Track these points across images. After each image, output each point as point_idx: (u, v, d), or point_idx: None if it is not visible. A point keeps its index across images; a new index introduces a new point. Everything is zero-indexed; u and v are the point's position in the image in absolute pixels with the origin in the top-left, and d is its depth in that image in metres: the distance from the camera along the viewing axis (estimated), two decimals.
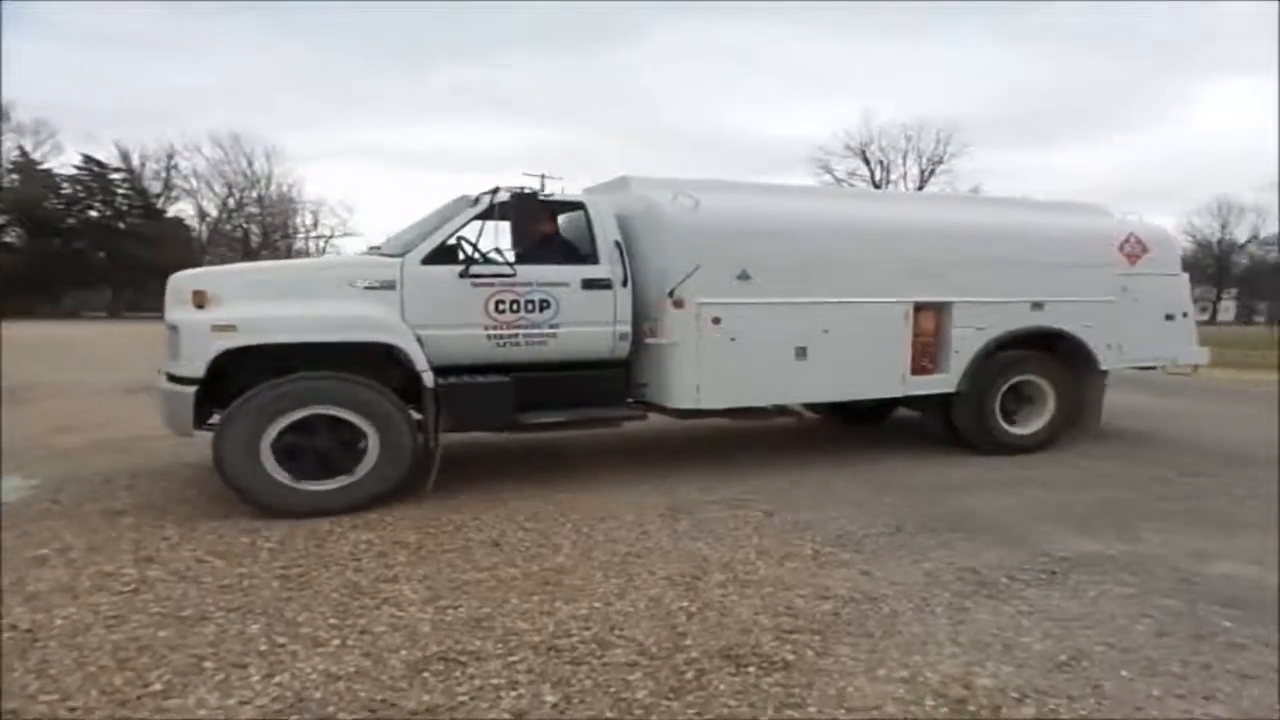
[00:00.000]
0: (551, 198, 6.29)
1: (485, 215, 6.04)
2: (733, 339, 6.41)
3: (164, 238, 52.90)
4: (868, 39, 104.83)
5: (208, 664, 3.19)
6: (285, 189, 64.89)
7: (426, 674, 3.11)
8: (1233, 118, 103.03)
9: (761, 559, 4.51)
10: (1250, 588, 4.13)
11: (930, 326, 7.24)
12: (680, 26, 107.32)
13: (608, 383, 6.40)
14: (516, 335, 6.00)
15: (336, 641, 3.40)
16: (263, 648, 3.33)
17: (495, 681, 3.06)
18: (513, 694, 2.97)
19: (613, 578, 4.20)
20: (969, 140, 69.10)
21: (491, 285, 5.90)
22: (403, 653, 3.29)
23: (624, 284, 6.29)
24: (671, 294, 6.26)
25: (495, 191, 6.02)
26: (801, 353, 6.66)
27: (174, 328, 5.34)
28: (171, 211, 60.85)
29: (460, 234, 5.96)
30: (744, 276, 6.42)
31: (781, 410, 7.12)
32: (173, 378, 5.36)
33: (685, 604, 3.84)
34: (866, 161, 56.60)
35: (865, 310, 6.88)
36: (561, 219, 6.55)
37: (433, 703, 2.91)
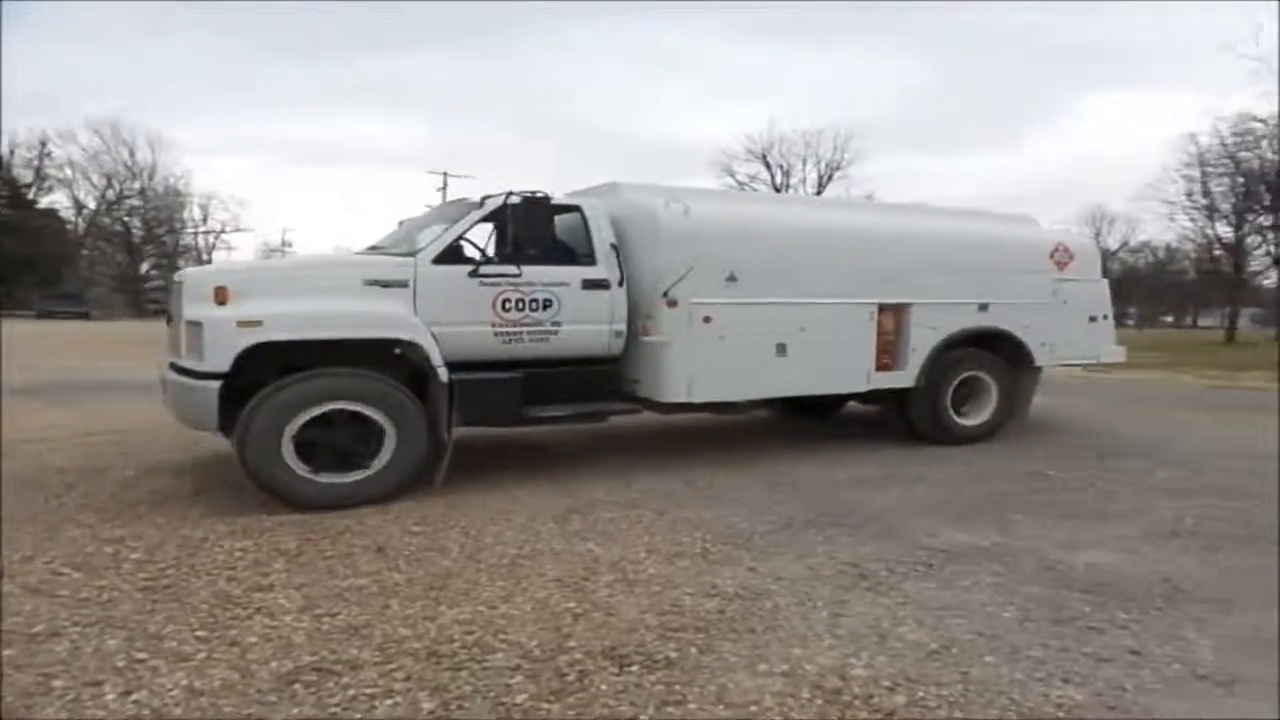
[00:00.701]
0: (551, 200, 6.39)
1: (493, 217, 6.28)
2: (721, 337, 6.80)
3: (35, 230, 49.79)
4: (775, 45, 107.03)
5: (57, 683, 2.99)
6: (172, 181, 62.00)
7: (297, 685, 3.00)
8: (1110, 130, 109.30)
9: (651, 558, 4.53)
10: (1110, 574, 4.36)
11: (891, 326, 7.77)
12: (596, 27, 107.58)
13: (603, 379, 6.70)
14: (521, 333, 6.25)
15: (203, 654, 3.24)
16: (120, 664, 3.15)
17: (370, 691, 2.97)
18: (388, 702, 2.89)
19: (500, 580, 4.14)
20: (865, 147, 71.32)
21: (498, 285, 6.13)
22: (273, 664, 3.16)
23: (620, 284, 6.60)
24: (666, 294, 6.62)
25: (508, 195, 6.26)
26: (782, 350, 7.12)
27: (196, 323, 5.38)
28: (44, 203, 57.31)
29: (466, 235, 6.21)
30: (732, 279, 6.85)
31: (754, 405, 7.63)
32: (188, 372, 5.45)
33: (572, 605, 3.82)
34: (768, 166, 57.65)
35: (837, 311, 7.40)
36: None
37: (303, 715, 2.80)
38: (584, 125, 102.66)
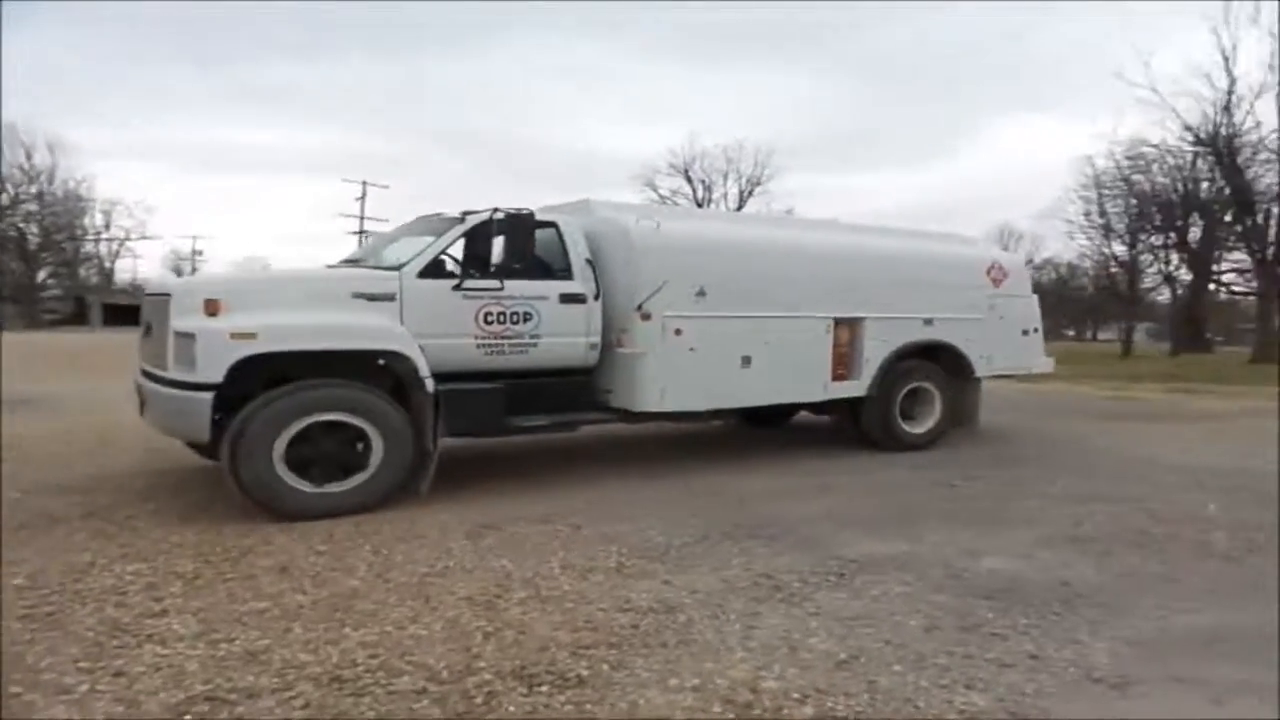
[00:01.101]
0: (535, 217, 6.57)
1: (476, 232, 6.40)
2: (691, 349, 7.11)
3: None
4: (693, 64, 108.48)
5: None
6: (72, 185, 59.17)
7: (188, 717, 2.85)
8: (1014, 152, 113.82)
9: (565, 573, 4.47)
10: (1012, 580, 4.49)
11: (846, 339, 8.19)
12: (516, 42, 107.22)
13: (578, 389, 6.94)
14: (502, 345, 6.44)
15: (85, 687, 3.06)
16: None
17: None
18: None
19: (409, 600, 4.03)
20: (784, 163, 72.60)
21: (481, 298, 6.31)
22: (163, 695, 3.00)
23: (595, 298, 6.85)
24: (640, 308, 6.89)
25: (494, 211, 6.45)
26: (747, 361, 7.48)
27: (188, 335, 5.39)
28: None
29: (448, 250, 6.37)
30: (701, 293, 7.17)
31: (715, 414, 8.01)
32: (177, 383, 5.45)
33: (483, 624, 3.74)
34: (690, 181, 58.22)
35: (797, 324, 7.81)
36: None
37: None
38: (501, 137, 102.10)
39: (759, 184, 56.84)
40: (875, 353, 8.30)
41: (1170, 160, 34.27)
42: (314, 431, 5.54)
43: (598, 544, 5.04)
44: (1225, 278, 37.88)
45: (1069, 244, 36.18)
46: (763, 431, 9.79)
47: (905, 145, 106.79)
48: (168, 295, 5.77)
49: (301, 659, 3.33)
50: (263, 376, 5.55)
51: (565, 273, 6.77)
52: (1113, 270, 40.98)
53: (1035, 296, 9.93)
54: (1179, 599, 4.23)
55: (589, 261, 6.87)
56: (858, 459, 8.09)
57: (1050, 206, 40.67)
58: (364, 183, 50.08)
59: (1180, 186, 35.18)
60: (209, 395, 5.33)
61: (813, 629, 3.76)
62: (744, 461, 7.87)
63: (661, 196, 57.47)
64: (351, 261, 7.25)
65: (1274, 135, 30.12)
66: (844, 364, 8.16)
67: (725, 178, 57.71)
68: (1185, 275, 39.01)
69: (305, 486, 5.51)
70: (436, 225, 6.75)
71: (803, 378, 7.91)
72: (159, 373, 5.73)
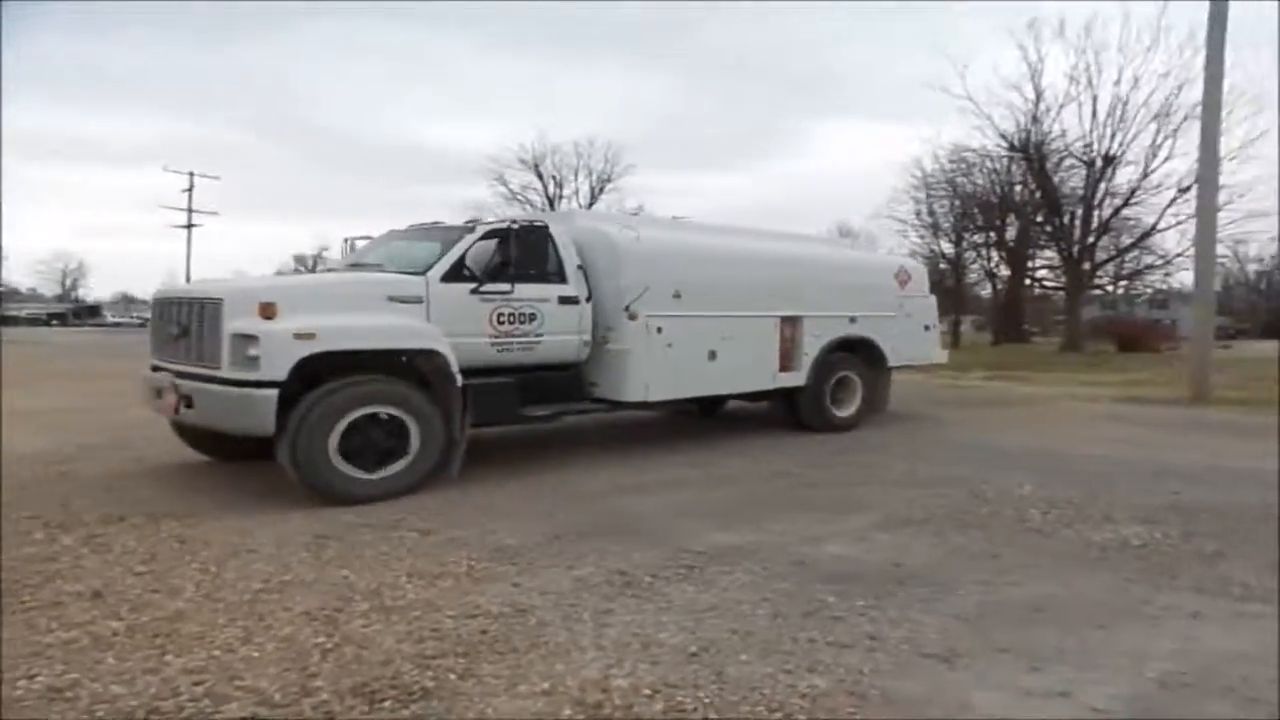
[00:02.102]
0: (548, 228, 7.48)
1: (491, 239, 7.08)
2: (669, 345, 7.97)
3: None
4: (538, 56, 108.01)
5: None
6: None
7: None
8: (844, 154, 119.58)
9: (412, 582, 4.31)
10: (852, 565, 4.68)
11: (789, 335, 9.21)
12: (329, 27, 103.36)
13: (570, 382, 7.68)
14: (511, 343, 7.11)
15: None
16: None
17: None
18: None
19: (241, 620, 3.77)
20: (634, 161, 73.28)
21: (494, 301, 6.95)
22: None
23: (587, 300, 7.60)
24: (627, 309, 7.72)
25: (511, 223, 7.27)
26: (713, 355, 8.42)
27: (249, 336, 5.79)
28: None
29: (465, 256, 6.93)
30: (677, 295, 8.07)
31: (689, 404, 9.34)
32: (236, 382, 5.82)
33: (321, 640, 3.54)
34: (540, 176, 57.88)
35: (752, 323, 8.83)
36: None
37: None
38: (325, 128, 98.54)
39: (609, 181, 57.17)
40: (811, 347, 9.38)
41: (989, 164, 36.95)
42: (361, 423, 6.04)
43: (447, 549, 4.89)
44: (1039, 274, 41.18)
45: (902, 242, 38.22)
46: (692, 422, 10.57)
47: (741, 145, 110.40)
48: (219, 300, 6.07)
49: (114, 692, 3.05)
50: (304, 374, 5.91)
51: (560, 277, 7.47)
52: (941, 266, 43.75)
53: (933, 297, 11.29)
54: (1001, 574, 4.53)
55: (580, 267, 7.60)
56: (705, 453, 8.25)
57: (883, 206, 42.79)
58: (191, 174, 47.03)
59: (998, 189, 37.96)
60: (274, 392, 5.75)
61: (664, 623, 3.78)
62: (596, 460, 7.86)
63: (512, 192, 56.90)
64: (358, 265, 7.73)
65: (1078, 143, 33.06)
66: (788, 357, 9.20)
67: (576, 174, 57.71)
68: (1004, 271, 42.11)
69: (359, 473, 6.04)
70: (447, 233, 7.39)
71: (756, 369, 8.93)
72: (210, 372, 6.03)
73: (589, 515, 5.72)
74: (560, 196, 57.28)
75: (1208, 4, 13.77)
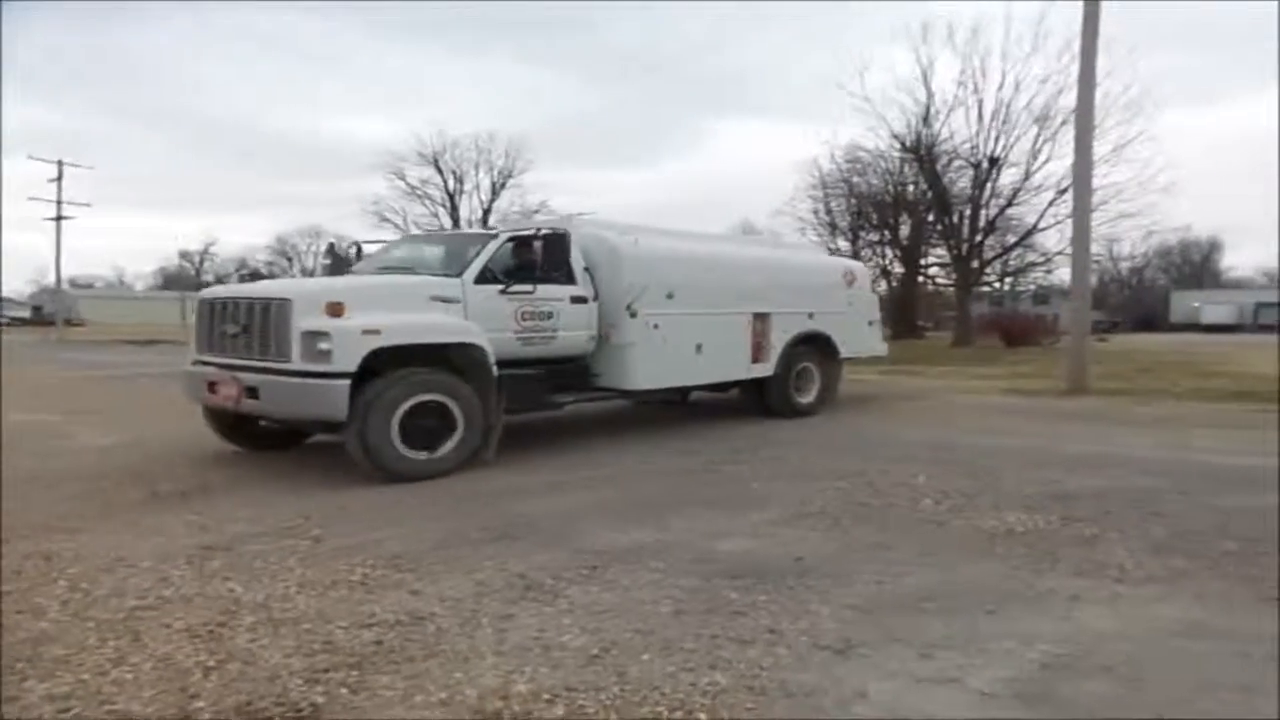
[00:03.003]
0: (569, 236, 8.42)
1: (516, 244, 7.96)
2: (665, 340, 8.99)
3: None
4: (434, 49, 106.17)
5: None
6: None
7: None
8: (748, 152, 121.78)
9: (303, 592, 4.14)
10: (753, 559, 4.73)
11: (760, 330, 10.27)
12: (211, 13, 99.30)
13: (580, 373, 8.64)
14: (533, 337, 7.97)
15: None
16: None
17: None
18: None
19: (113, 640, 3.55)
20: (535, 156, 72.56)
21: (518, 300, 7.79)
22: None
23: (594, 300, 8.55)
24: (629, 307, 8.68)
25: (538, 230, 8.21)
26: (699, 349, 9.47)
27: (320, 333, 6.51)
28: None
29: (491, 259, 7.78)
30: (670, 295, 9.12)
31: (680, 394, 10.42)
32: (309, 373, 6.50)
33: (203, 658, 3.36)
34: (440, 171, 56.80)
35: (730, 319, 9.91)
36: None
37: None
38: (210, 118, 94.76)
39: (511, 176, 56.56)
40: (778, 340, 10.45)
41: (883, 165, 38.13)
42: (415, 410, 6.76)
43: (340, 557, 4.72)
44: (931, 271, 42.71)
45: (801, 239, 39.02)
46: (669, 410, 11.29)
47: (643, 142, 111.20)
48: (288, 299, 6.75)
49: None
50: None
51: (570, 279, 8.31)
52: None
53: (876, 295, 12.54)
54: (895, 563, 4.65)
55: (586, 269, 8.50)
56: (604, 452, 8.22)
57: (783, 205, 43.66)
58: (60, 163, 44.26)
59: (892, 189, 39.20)
60: (347, 382, 6.48)
61: (565, 626, 3.73)
62: (498, 460, 7.74)
63: (411, 186, 55.71)
64: (386, 269, 8.51)
65: (966, 145, 34.43)
66: (759, 350, 10.27)
67: (477, 169, 56.85)
68: (899, 269, 43.53)
69: (417, 454, 6.79)
70: (471, 239, 8.40)
71: (734, 361, 10.00)
72: (280, 365, 6.65)
73: (486, 518, 5.61)
74: (460, 192, 56.35)
75: (1081, 6, 14.46)
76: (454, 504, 6.00)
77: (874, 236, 42.24)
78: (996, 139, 33.50)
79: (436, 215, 57.41)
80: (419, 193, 55.96)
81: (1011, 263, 39.34)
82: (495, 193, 56.08)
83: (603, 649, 3.48)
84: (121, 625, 3.71)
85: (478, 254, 7.78)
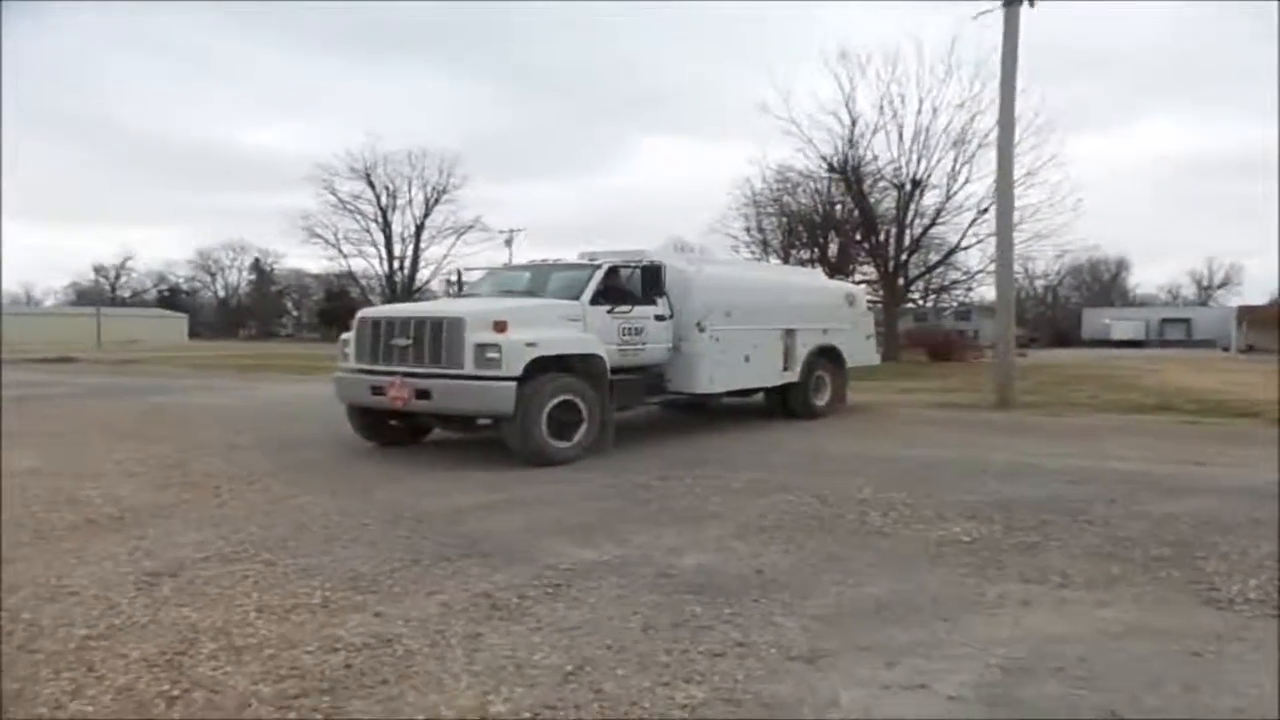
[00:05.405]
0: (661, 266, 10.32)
1: (617, 273, 9.86)
2: (723, 351, 10.77)
3: None
4: (362, 63, 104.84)
5: None
6: None
7: None
8: (682, 170, 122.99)
9: (263, 617, 4.05)
10: (713, 574, 4.79)
11: (788, 343, 12.09)
12: (118, 18, 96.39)
13: (658, 379, 10.37)
14: (628, 349, 9.70)
15: None
16: None
17: None
18: None
19: (67, 672, 3.42)
20: (468, 172, 72.06)
21: (620, 318, 9.59)
22: None
23: (671, 318, 10.27)
24: (699, 324, 10.46)
25: (642, 259, 10.25)
26: (747, 359, 11.25)
27: (493, 345, 8.13)
28: None
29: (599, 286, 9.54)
30: (728, 314, 10.88)
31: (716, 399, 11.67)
32: (484, 377, 8.11)
33: (166, 688, 3.27)
34: (372, 185, 56.00)
35: (770, 333, 11.79)
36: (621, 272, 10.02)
37: None
38: (122, 128, 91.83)
39: (445, 192, 56.10)
40: (801, 352, 12.25)
41: (812, 185, 38.97)
42: (557, 406, 8.38)
43: (297, 580, 4.63)
44: (860, 288, 43.63)
45: (734, 257, 39.56)
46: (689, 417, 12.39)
47: (576, 159, 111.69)
48: (462, 318, 8.37)
49: None
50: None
51: (654, 301, 10.02)
52: None
53: (871, 314, 14.72)
54: (851, 574, 4.77)
55: (664, 293, 10.18)
56: (549, 471, 8.15)
57: (716, 222, 44.20)
58: None
59: (821, 208, 40.05)
60: (514, 383, 8.08)
61: (536, 644, 3.73)
62: (441, 480, 7.68)
63: (341, 200, 54.82)
64: (509, 291, 10.40)
65: (889, 167, 35.46)
66: (788, 360, 12.06)
67: (410, 184, 56.26)
68: None
69: (559, 443, 8.42)
70: (580, 269, 10.05)
71: (772, 369, 11.85)
72: (455, 371, 8.22)
73: (445, 537, 5.56)
74: (394, 207, 55.66)
75: (1000, 30, 15.07)
76: (411, 524, 5.91)
77: (805, 254, 43.05)
78: (918, 161, 34.61)
79: (369, 230, 56.56)
80: (350, 207, 55.08)
81: (935, 280, 40.59)
82: (429, 208, 55.51)
83: (577, 666, 3.49)
84: (73, 656, 3.58)
85: (589, 279, 9.54)
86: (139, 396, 16.54)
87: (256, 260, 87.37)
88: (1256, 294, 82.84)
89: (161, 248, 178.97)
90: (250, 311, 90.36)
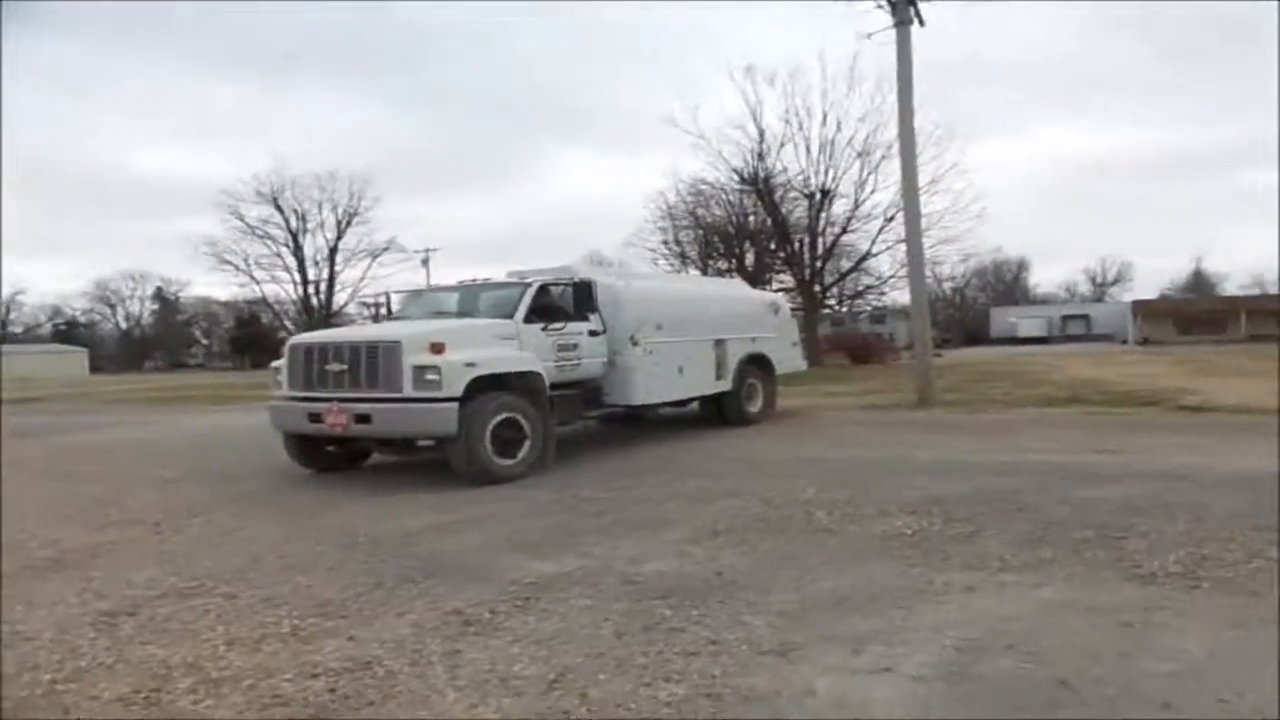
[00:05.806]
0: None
1: (544, 290, 9.93)
2: (657, 363, 10.96)
3: None
4: (249, 85, 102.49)
5: None
6: None
7: None
8: (598, 184, 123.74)
9: (234, 649, 4.03)
10: (677, 578, 4.94)
11: (720, 353, 12.34)
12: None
13: (595, 393, 10.49)
14: (565, 364, 9.81)
15: None
16: None
17: None
18: None
19: (40, 716, 3.36)
20: (379, 191, 70.95)
21: (554, 335, 9.67)
22: None
23: (604, 332, 10.43)
24: (631, 338, 10.62)
25: (573, 276, 10.34)
26: (680, 370, 11.47)
27: (432, 367, 8.14)
28: None
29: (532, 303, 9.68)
30: (659, 326, 11.08)
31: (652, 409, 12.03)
32: (423, 400, 8.13)
33: None
34: (280, 210, 54.66)
35: (701, 344, 12.01)
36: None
37: None
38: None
39: (356, 214, 55.19)
40: (732, 361, 12.52)
41: (725, 197, 39.67)
42: (500, 425, 8.41)
43: (263, 610, 4.60)
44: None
45: (653, 269, 39.99)
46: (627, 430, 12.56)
47: (487, 174, 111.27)
48: (397, 341, 8.38)
49: None
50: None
51: (586, 317, 10.14)
52: None
53: (795, 320, 15.43)
54: (807, 571, 4.99)
55: (596, 309, 10.32)
56: (496, 489, 8.14)
57: (633, 235, 44.59)
58: None
59: (735, 219, 40.79)
60: (455, 404, 8.10)
61: (516, 655, 3.82)
62: (387, 504, 7.65)
63: (250, 225, 53.41)
64: (441, 313, 10.45)
65: (799, 177, 36.41)
66: (720, 369, 12.32)
67: (320, 207, 55.13)
68: None
69: (503, 460, 8.43)
70: (511, 286, 10.22)
71: (705, 379, 12.10)
72: (391, 394, 8.22)
73: (404, 559, 5.58)
74: (305, 230, 54.46)
75: (895, 56, 15.70)
76: (369, 548, 5.90)
77: (722, 265, 43.76)
78: (826, 171, 35.62)
79: (280, 255, 55.17)
80: (259, 232, 53.70)
81: (849, 286, 41.73)
82: (341, 231, 54.49)
83: (559, 674, 3.60)
84: (44, 701, 3.52)
85: (521, 298, 9.64)
86: (52, 436, 15.84)
87: (159, 289, 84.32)
88: (1147, 289, 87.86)
89: (55, 280, 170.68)
90: (156, 342, 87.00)
